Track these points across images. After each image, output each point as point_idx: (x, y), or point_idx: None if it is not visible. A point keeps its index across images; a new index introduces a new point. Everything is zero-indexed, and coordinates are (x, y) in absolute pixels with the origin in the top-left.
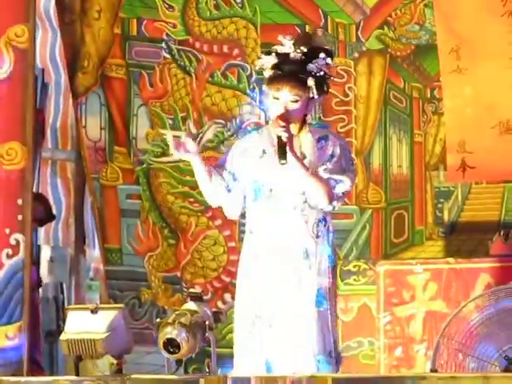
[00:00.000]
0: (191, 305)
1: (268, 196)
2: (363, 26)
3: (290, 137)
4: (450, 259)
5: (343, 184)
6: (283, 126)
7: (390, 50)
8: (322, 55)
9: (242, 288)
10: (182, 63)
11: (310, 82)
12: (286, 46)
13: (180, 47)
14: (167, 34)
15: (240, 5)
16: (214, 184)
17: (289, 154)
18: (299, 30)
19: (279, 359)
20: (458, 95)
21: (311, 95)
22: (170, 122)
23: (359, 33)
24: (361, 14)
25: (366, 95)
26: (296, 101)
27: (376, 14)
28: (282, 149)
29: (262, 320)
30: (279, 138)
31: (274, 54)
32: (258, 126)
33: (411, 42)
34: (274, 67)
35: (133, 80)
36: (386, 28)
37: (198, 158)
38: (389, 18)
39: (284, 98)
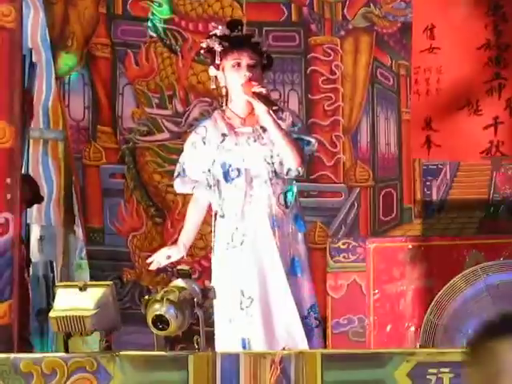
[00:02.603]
0: (179, 282)
1: (237, 175)
2: (349, 3)
3: (267, 92)
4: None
5: (311, 145)
6: (258, 85)
7: (376, 28)
8: (255, 36)
9: (218, 271)
10: (168, 42)
11: (263, 48)
12: (223, 28)
13: (165, 26)
14: (152, 13)
15: None
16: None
17: (266, 114)
18: (284, 9)
19: (256, 336)
20: (428, 74)
21: (264, 61)
22: (156, 100)
23: (345, 11)
24: None
25: (352, 73)
26: (254, 66)
27: None
28: (267, 100)
29: (241, 295)
30: (259, 93)
31: (214, 37)
32: (206, 113)
33: (397, 19)
34: (224, 41)
35: (118, 59)
36: (371, 6)
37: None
38: None
39: (245, 62)
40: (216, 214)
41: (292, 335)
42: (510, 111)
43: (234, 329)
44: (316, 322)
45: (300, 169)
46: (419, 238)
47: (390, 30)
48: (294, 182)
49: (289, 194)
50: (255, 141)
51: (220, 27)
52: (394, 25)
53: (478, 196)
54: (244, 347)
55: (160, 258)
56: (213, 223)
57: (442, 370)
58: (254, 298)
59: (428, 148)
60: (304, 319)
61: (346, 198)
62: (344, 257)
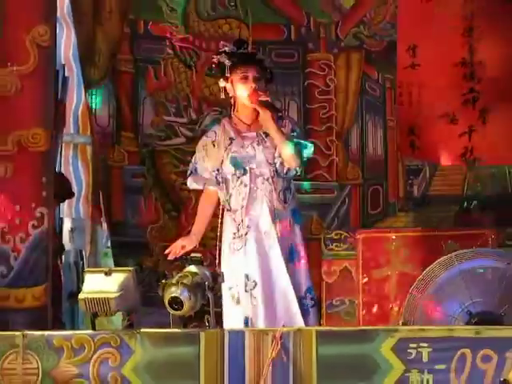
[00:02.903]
0: (192, 268)
1: (242, 173)
2: (341, 24)
3: (272, 101)
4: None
5: (308, 149)
6: (262, 94)
7: (365, 46)
8: (259, 53)
9: (226, 259)
10: (184, 58)
11: (266, 64)
12: (231, 47)
13: (181, 44)
14: (170, 33)
15: (233, 7)
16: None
17: (270, 121)
18: (285, 29)
19: (258, 315)
20: (410, 88)
21: (268, 76)
22: (173, 109)
23: (338, 31)
24: (339, 14)
25: (344, 86)
26: (260, 79)
27: (352, 14)
28: (272, 107)
29: (246, 279)
30: (265, 102)
31: (223, 54)
32: (216, 120)
33: (384, 38)
34: (232, 57)
35: (140, 73)
36: (361, 27)
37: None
38: (364, 18)
39: (252, 75)
40: (224, 209)
41: (290, 314)
42: (483, 120)
43: (239, 309)
44: (312, 302)
45: (298, 169)
46: (402, 229)
47: (377, 48)
48: (309, 144)
49: (287, 192)
50: (259, 144)
51: (228, 45)
52: (380, 43)
53: (453, 193)
54: (247, 325)
55: (176, 249)
56: (220, 216)
57: (422, 344)
58: (257, 282)
59: (413, 150)
60: (301, 300)
61: (339, 195)
62: (336, 246)
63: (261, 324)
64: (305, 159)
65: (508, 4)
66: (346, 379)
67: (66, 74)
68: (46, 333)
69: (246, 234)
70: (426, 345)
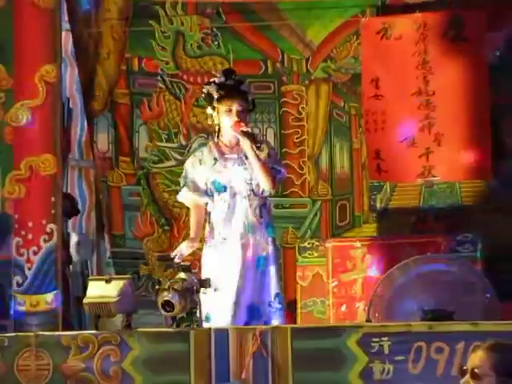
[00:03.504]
0: (182, 275)
1: (224, 191)
2: (311, 59)
3: (252, 131)
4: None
5: (280, 174)
6: (244, 125)
7: (332, 78)
8: (245, 83)
9: (207, 265)
10: (174, 91)
11: (249, 96)
12: (221, 77)
13: (172, 79)
14: (161, 69)
15: (217, 45)
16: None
17: (249, 148)
18: (262, 65)
19: (220, 314)
20: (375, 116)
21: (250, 107)
22: (165, 136)
23: (308, 65)
24: (309, 51)
25: (315, 113)
26: (242, 111)
27: (321, 50)
28: (252, 137)
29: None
30: (245, 132)
31: (213, 84)
32: (203, 144)
33: (349, 71)
34: (223, 88)
35: (135, 105)
36: (328, 61)
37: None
38: (331, 53)
39: (235, 108)
40: (206, 221)
41: (258, 314)
42: (438, 143)
43: (207, 306)
44: (280, 306)
45: (272, 191)
46: (366, 238)
47: (343, 79)
48: (282, 169)
49: (262, 208)
50: (239, 165)
51: (218, 76)
52: (346, 76)
53: (410, 205)
54: (208, 320)
55: (183, 250)
56: (205, 228)
57: (383, 338)
58: (228, 285)
59: (379, 173)
60: (270, 303)
61: (311, 209)
62: (309, 254)
63: (228, 322)
64: (278, 182)
65: (456, 42)
66: (318, 370)
67: (71, 106)
68: (56, 333)
69: (221, 243)
70: (386, 339)
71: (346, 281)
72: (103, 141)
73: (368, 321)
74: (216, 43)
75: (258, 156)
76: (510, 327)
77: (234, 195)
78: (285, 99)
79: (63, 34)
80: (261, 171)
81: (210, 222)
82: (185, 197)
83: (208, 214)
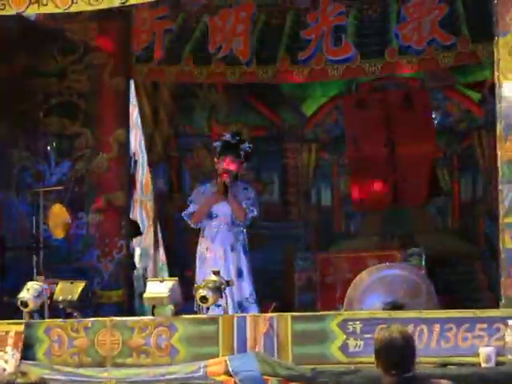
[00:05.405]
0: (213, 277)
1: (214, 216)
2: (305, 126)
3: (230, 183)
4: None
5: (253, 212)
6: (227, 177)
7: (319, 140)
8: (246, 142)
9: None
10: (208, 148)
11: (242, 154)
12: (228, 136)
13: (206, 139)
14: (199, 133)
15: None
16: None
17: (229, 193)
18: (268, 129)
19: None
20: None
21: (242, 160)
22: (202, 179)
23: (303, 130)
24: (303, 120)
25: (306, 164)
26: (234, 162)
27: (311, 119)
28: (226, 188)
29: None
30: (224, 182)
31: (222, 142)
32: (209, 181)
33: (331, 134)
34: (224, 146)
35: (182, 157)
36: (317, 127)
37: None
38: (319, 122)
39: (228, 161)
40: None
41: (240, 309)
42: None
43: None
44: (253, 301)
45: (244, 224)
46: (344, 251)
47: (327, 140)
48: (255, 209)
49: (240, 233)
50: (226, 201)
51: (227, 135)
52: (329, 137)
53: (376, 228)
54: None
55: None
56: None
57: (356, 322)
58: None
59: (361, 204)
60: (247, 299)
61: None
62: (303, 263)
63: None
64: (249, 219)
65: (415, 114)
66: (310, 344)
67: (136, 158)
68: (124, 318)
69: (207, 255)
70: (358, 322)
71: (330, 282)
72: (160, 182)
73: (345, 310)
74: (239, 114)
75: (235, 200)
76: (444, 314)
77: (220, 222)
78: (285, 154)
79: (131, 107)
80: (236, 210)
81: (203, 236)
82: (191, 209)
83: (202, 230)
